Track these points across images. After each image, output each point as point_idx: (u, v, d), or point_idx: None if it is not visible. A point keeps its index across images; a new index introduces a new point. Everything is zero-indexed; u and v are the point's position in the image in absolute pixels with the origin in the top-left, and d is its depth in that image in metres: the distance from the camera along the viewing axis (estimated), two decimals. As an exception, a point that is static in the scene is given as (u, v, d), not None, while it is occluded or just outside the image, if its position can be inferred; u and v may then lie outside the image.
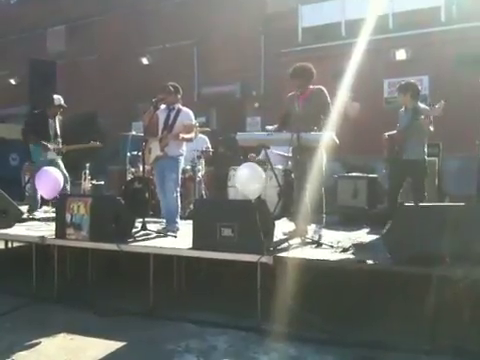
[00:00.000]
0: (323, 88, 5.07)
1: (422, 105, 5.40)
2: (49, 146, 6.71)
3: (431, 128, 5.22)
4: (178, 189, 5.57)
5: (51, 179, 5.64)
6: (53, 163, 6.72)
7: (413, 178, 5.37)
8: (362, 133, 9.47)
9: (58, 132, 6.93)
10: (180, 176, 5.68)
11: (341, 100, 5.28)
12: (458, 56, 10.12)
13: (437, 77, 10.44)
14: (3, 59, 17.89)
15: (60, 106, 6.98)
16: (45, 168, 6.17)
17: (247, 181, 4.79)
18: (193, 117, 5.71)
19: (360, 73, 10.49)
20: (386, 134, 5.57)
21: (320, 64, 5.32)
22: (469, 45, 9.98)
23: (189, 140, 5.66)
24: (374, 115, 10.47)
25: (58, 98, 7.01)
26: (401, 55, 11.08)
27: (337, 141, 4.83)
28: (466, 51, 10.00)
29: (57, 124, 6.96)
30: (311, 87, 5.14)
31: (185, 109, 5.69)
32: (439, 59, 10.30)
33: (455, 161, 8.14)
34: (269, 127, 5.58)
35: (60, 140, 6.93)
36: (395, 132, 5.54)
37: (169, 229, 5.41)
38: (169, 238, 5.19)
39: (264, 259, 4.23)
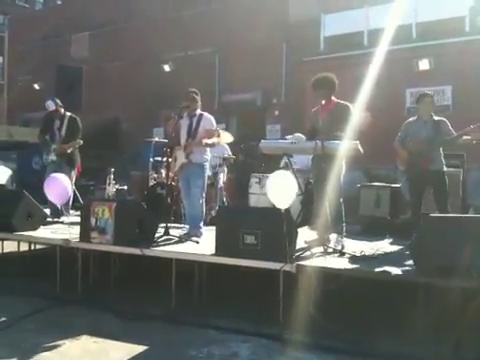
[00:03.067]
0: (349, 105, 5.07)
1: (442, 119, 5.37)
2: (51, 147, 6.78)
3: (474, 142, 5.26)
4: (204, 195, 5.61)
5: (59, 185, 5.69)
6: (55, 164, 6.80)
7: (436, 189, 5.32)
8: (384, 143, 9.39)
9: (63, 133, 6.88)
10: (206, 182, 5.73)
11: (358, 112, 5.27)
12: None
13: (460, 87, 10.36)
14: (27, 64, 18.23)
15: (56, 110, 6.87)
16: (53, 175, 6.24)
17: (279, 190, 4.77)
18: (214, 122, 5.75)
19: (382, 82, 10.48)
20: (397, 144, 5.49)
21: (342, 73, 5.34)
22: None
23: (212, 145, 5.69)
24: (396, 125, 10.38)
25: (47, 105, 6.90)
26: (424, 65, 11.02)
27: (361, 150, 4.81)
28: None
29: (64, 125, 6.91)
30: (336, 100, 5.14)
31: (206, 114, 5.74)
32: (462, 69, 10.22)
33: (479, 172, 8.04)
34: (289, 137, 5.60)
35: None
36: (404, 143, 5.47)
37: (193, 234, 5.44)
38: (191, 244, 5.22)
39: (287, 267, 4.23)
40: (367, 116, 5.18)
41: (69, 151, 6.80)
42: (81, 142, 6.96)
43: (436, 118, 5.38)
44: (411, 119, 5.57)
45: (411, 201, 5.56)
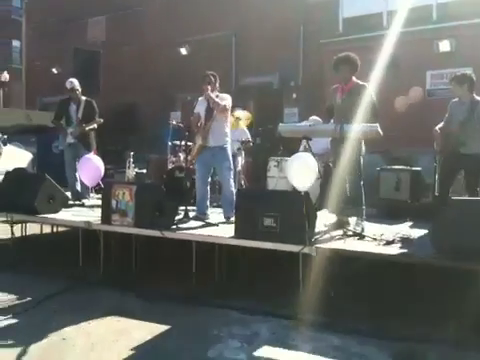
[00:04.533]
0: (368, 85, 5.01)
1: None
2: (68, 131, 6.86)
3: None
4: (232, 177, 5.65)
5: (92, 167, 5.76)
6: (72, 147, 6.88)
7: (468, 173, 5.20)
8: (404, 125, 9.32)
9: (80, 116, 6.95)
10: (232, 164, 5.77)
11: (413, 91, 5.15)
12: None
13: (482, 69, 10.16)
14: (45, 48, 18.31)
15: (72, 89, 6.97)
16: (87, 156, 6.32)
17: (298, 173, 4.77)
18: (230, 101, 5.72)
19: (402, 64, 10.36)
20: (437, 127, 5.40)
21: (360, 55, 5.24)
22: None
23: (220, 105, 5.54)
24: (416, 107, 10.29)
25: (70, 81, 7.02)
26: (445, 46, 10.80)
27: (381, 133, 4.78)
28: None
29: (81, 109, 6.98)
30: (355, 81, 5.09)
31: (222, 94, 5.71)
32: (484, 51, 10.00)
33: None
34: (316, 118, 5.55)
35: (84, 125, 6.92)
36: (444, 124, 5.38)
37: (229, 216, 5.50)
38: (211, 226, 5.27)
39: (306, 250, 4.26)
40: (418, 90, 5.04)
41: (87, 128, 6.87)
42: (101, 120, 7.04)
43: (476, 99, 5.20)
44: (454, 100, 5.44)
45: (439, 183, 5.46)
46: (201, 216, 5.60)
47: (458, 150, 5.14)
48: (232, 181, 5.70)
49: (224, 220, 5.52)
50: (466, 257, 3.73)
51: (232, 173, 5.73)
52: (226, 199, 5.67)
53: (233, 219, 5.36)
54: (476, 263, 3.73)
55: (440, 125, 5.40)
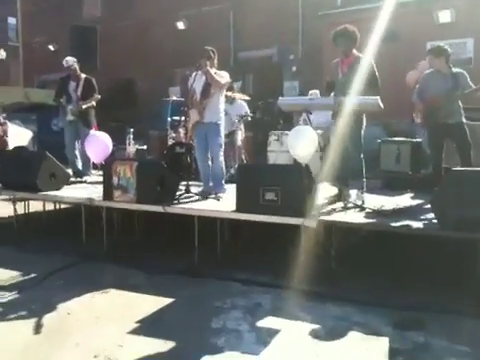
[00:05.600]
0: (368, 58, 4.96)
1: (461, 71, 5.21)
2: (67, 108, 6.85)
3: None
4: (222, 153, 5.65)
5: (101, 143, 5.76)
6: (72, 125, 6.87)
7: (457, 141, 5.21)
8: (405, 97, 9.24)
9: (79, 94, 6.94)
10: (223, 140, 5.75)
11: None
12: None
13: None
14: (41, 25, 18.11)
15: (69, 67, 6.96)
16: (94, 133, 6.31)
17: (299, 144, 4.77)
18: (228, 78, 5.68)
19: (402, 36, 10.25)
20: (415, 99, 5.38)
21: (359, 26, 5.18)
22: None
23: (219, 84, 5.54)
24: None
25: (65, 60, 7.01)
26: (445, 17, 10.68)
27: (382, 106, 4.76)
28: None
29: (80, 86, 6.97)
30: (356, 54, 5.04)
31: (221, 72, 5.67)
32: (485, 21, 9.90)
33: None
34: (316, 91, 5.51)
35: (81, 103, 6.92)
36: (420, 96, 5.35)
37: (217, 191, 5.53)
38: (212, 201, 5.29)
39: (307, 222, 4.29)
40: (425, 64, 4.97)
41: (85, 106, 6.85)
42: (99, 97, 7.01)
43: (454, 70, 5.20)
44: (428, 71, 5.40)
45: (431, 155, 5.48)
46: (207, 191, 5.61)
47: (445, 121, 5.12)
48: (222, 158, 5.68)
49: (213, 196, 5.48)
50: (467, 227, 3.76)
51: (222, 150, 5.69)
52: (215, 176, 5.68)
53: (221, 195, 5.44)
54: (477, 233, 3.76)
55: (415, 96, 5.37)
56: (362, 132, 5.09)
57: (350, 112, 4.80)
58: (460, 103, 5.23)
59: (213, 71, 5.52)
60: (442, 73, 5.22)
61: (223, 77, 5.58)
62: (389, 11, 8.22)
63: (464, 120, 5.22)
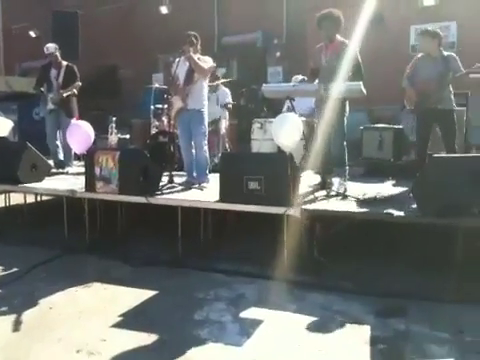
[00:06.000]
0: (352, 43, 4.92)
1: (452, 54, 5.17)
2: (48, 97, 6.76)
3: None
4: (205, 142, 5.61)
5: (83, 133, 5.69)
6: (53, 114, 6.78)
7: (443, 128, 5.17)
8: (388, 82, 9.24)
9: (60, 82, 6.84)
10: (207, 128, 5.71)
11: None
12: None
13: (465, 23, 10.05)
14: (21, 12, 17.72)
15: (50, 54, 6.85)
16: (76, 122, 6.21)
17: (284, 132, 4.74)
18: (211, 63, 5.62)
19: (385, 20, 10.20)
20: (405, 84, 5.33)
21: (343, 11, 5.14)
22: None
23: (203, 70, 5.49)
24: (400, 63, 10.18)
25: (46, 47, 6.90)
26: (429, 1, 10.64)
27: (365, 92, 4.75)
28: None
29: (61, 74, 6.87)
30: (340, 39, 4.99)
31: (205, 57, 5.61)
32: (468, 5, 9.87)
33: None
34: (299, 77, 5.45)
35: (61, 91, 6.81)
36: (410, 81, 5.30)
37: (201, 181, 5.50)
38: (196, 191, 5.27)
39: (291, 211, 4.29)
40: None
41: (65, 94, 6.74)
42: (80, 84, 6.91)
43: (445, 54, 5.12)
44: (419, 55, 5.31)
45: (417, 141, 5.41)
46: (191, 181, 5.58)
47: (435, 106, 5.08)
48: (206, 147, 5.62)
49: (196, 186, 5.44)
50: (447, 214, 3.78)
51: (206, 138, 5.65)
52: (199, 165, 5.63)
53: (205, 185, 5.42)
54: (456, 220, 3.80)
55: (406, 82, 5.33)
56: (345, 119, 5.07)
57: (333, 99, 4.78)
58: (451, 88, 5.17)
59: (196, 57, 5.46)
60: (432, 57, 5.14)
61: (207, 62, 5.52)
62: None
63: (455, 107, 5.18)
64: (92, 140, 5.85)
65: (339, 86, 4.74)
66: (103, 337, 3.23)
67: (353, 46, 4.92)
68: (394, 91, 7.93)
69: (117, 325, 3.41)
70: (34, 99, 9.88)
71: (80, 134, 5.83)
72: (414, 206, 4.12)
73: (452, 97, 5.16)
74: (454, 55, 5.13)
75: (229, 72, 13.32)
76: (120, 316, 3.54)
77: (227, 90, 7.71)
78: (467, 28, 9.84)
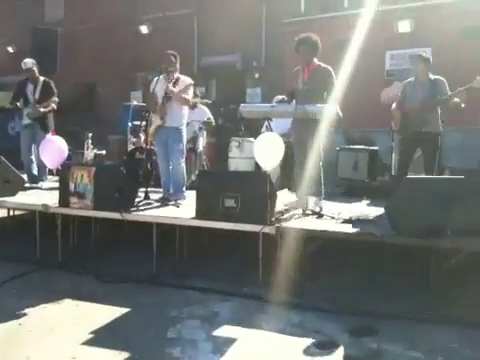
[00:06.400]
0: (331, 69, 5.02)
1: (440, 78, 5.31)
2: (24, 112, 6.69)
3: (463, 105, 5.19)
4: (183, 159, 5.60)
5: (56, 148, 5.64)
6: (29, 129, 6.71)
7: (426, 151, 5.26)
8: (363, 105, 9.44)
9: (37, 97, 6.76)
10: (185, 146, 5.71)
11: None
12: (464, 28, 10.01)
13: (440, 49, 10.36)
14: (0, 27, 17.61)
15: (28, 70, 6.81)
16: (49, 137, 6.16)
17: (266, 152, 4.77)
18: (190, 82, 5.67)
19: (362, 44, 10.44)
20: (394, 107, 5.46)
21: (322, 34, 5.26)
22: (473, 18, 9.87)
23: (186, 102, 5.59)
24: (375, 87, 10.45)
25: (23, 63, 6.86)
26: (404, 27, 10.94)
27: (341, 114, 4.84)
28: (471, 23, 9.91)
29: (38, 89, 6.80)
30: (317, 63, 5.09)
31: (183, 77, 5.65)
32: (443, 31, 10.19)
33: (456, 134, 8.13)
34: (279, 97, 5.51)
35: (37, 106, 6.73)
36: (399, 104, 5.44)
37: (177, 198, 5.47)
38: (172, 207, 5.24)
39: (266, 229, 4.30)
40: (462, 92, 5.00)
41: (43, 110, 6.69)
42: (57, 100, 6.86)
43: (433, 77, 5.27)
44: (409, 80, 5.48)
45: (399, 162, 5.51)
46: (167, 198, 5.55)
47: (419, 129, 5.19)
48: (183, 164, 5.63)
49: (172, 203, 5.40)
50: (420, 234, 3.84)
51: (183, 156, 5.65)
52: (175, 181, 5.62)
53: (181, 202, 5.40)
54: (430, 241, 3.85)
55: (394, 105, 5.47)
56: (323, 140, 5.12)
57: (310, 120, 4.85)
58: (439, 112, 5.28)
59: (175, 76, 5.51)
60: (420, 81, 5.30)
61: (186, 84, 5.54)
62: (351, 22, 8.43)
63: (441, 130, 5.30)
64: (65, 155, 5.81)
65: (315, 108, 4.81)
66: (73, 355, 3.16)
67: (330, 70, 5.02)
68: (369, 114, 8.10)
69: (88, 342, 3.34)
70: (9, 114, 9.78)
71: (53, 149, 5.79)
72: (388, 226, 4.17)
73: (439, 121, 5.27)
74: (443, 79, 5.27)
75: (208, 92, 13.41)
76: (91, 333, 3.47)
77: (205, 108, 7.75)
78: (442, 54, 10.13)
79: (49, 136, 5.98)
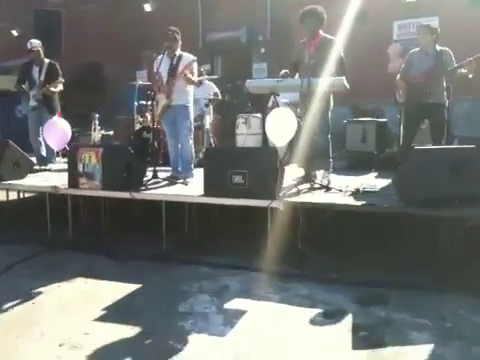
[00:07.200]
0: (336, 40, 4.95)
1: (446, 49, 5.22)
2: (30, 94, 6.70)
3: (470, 76, 5.10)
4: (191, 137, 5.60)
5: (59, 130, 5.67)
6: (36, 111, 6.73)
7: (433, 122, 5.23)
8: (371, 77, 9.32)
9: (42, 79, 6.76)
10: (193, 123, 5.70)
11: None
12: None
13: (447, 18, 10.15)
14: (3, 10, 17.54)
15: (31, 50, 6.79)
16: (53, 120, 6.18)
17: (279, 128, 4.74)
18: (195, 62, 5.63)
19: (368, 16, 10.26)
20: (398, 78, 5.39)
21: (327, 6, 5.17)
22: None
23: (192, 82, 5.57)
24: (383, 58, 10.30)
25: (30, 42, 6.85)
26: (412, -5, 10.72)
27: (348, 86, 4.78)
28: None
29: (43, 71, 6.80)
30: (322, 34, 5.02)
31: (186, 54, 5.61)
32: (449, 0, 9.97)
33: (464, 103, 8.03)
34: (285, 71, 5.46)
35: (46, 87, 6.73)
36: (404, 75, 5.36)
37: (186, 176, 5.49)
38: (180, 186, 5.26)
39: (274, 204, 4.31)
40: (471, 62, 4.93)
41: (52, 89, 6.69)
42: (63, 80, 6.85)
43: (439, 48, 5.21)
44: (414, 50, 5.41)
45: (404, 134, 5.46)
46: (175, 176, 5.57)
47: (424, 100, 5.14)
48: (191, 141, 5.64)
49: (181, 181, 5.40)
50: (429, 205, 3.82)
51: (192, 133, 5.66)
52: (184, 159, 5.63)
53: (189, 180, 5.40)
54: (438, 211, 3.84)
55: (399, 76, 5.38)
56: (329, 113, 5.10)
57: (317, 93, 4.81)
58: (444, 83, 5.23)
59: (178, 52, 5.48)
60: (427, 51, 5.22)
61: (190, 61, 5.49)
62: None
63: (446, 101, 5.24)
64: (69, 137, 5.83)
65: (323, 81, 4.76)
66: (86, 331, 3.22)
67: (336, 41, 4.95)
68: (377, 85, 8.00)
69: (100, 319, 3.40)
70: (16, 97, 9.81)
71: (56, 131, 5.81)
72: (397, 197, 4.16)
73: (444, 92, 5.22)
74: (448, 50, 5.20)
75: (214, 68, 13.32)
76: (103, 310, 3.53)
77: (211, 83, 7.71)
78: (449, 23, 9.93)
79: (52, 119, 5.98)
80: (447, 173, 3.81)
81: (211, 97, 7.45)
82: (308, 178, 5.10)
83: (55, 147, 6.40)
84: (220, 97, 7.70)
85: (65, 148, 6.46)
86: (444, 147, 4.90)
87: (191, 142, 5.63)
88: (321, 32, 5.05)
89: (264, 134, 7.64)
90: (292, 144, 5.96)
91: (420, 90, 5.12)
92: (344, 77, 4.77)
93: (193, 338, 3.09)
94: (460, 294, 3.56)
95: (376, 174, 5.78)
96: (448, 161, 3.85)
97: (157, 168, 5.60)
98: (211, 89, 7.57)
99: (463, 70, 5.06)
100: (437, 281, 3.71)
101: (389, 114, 6.98)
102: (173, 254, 4.65)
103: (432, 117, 5.22)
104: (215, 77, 8.08)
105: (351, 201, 4.34)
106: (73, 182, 5.16)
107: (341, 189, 4.72)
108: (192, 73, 5.51)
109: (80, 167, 5.10)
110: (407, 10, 10.49)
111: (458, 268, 3.83)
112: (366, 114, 7.24)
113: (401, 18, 10.65)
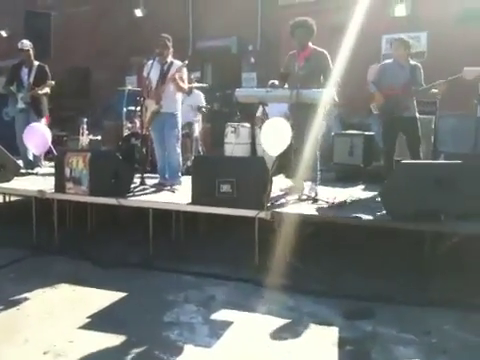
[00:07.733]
0: (326, 52, 5.01)
1: (418, 64, 5.31)
2: (18, 96, 6.65)
3: (439, 96, 5.31)
4: (178, 144, 5.61)
5: (39, 135, 5.63)
6: (23, 113, 6.68)
7: (408, 135, 5.29)
8: (359, 90, 9.41)
9: (31, 81, 6.71)
10: (180, 132, 5.71)
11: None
12: (461, 12, 9.96)
13: (436, 34, 10.32)
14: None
15: (22, 50, 6.73)
16: (32, 124, 6.14)
17: (274, 137, 4.74)
18: (185, 69, 5.64)
19: (357, 29, 10.39)
20: (373, 90, 5.41)
21: (318, 18, 5.23)
22: (471, 1, 9.83)
23: (182, 88, 5.58)
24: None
25: (21, 42, 6.80)
26: (400, 11, 10.89)
27: (336, 99, 4.83)
28: (468, 7, 9.86)
29: (32, 73, 6.75)
30: (312, 47, 5.08)
31: (177, 62, 5.63)
32: (439, 16, 10.14)
33: (450, 119, 8.14)
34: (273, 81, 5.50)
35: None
36: (376, 87, 5.39)
37: (173, 183, 5.48)
38: (167, 193, 5.25)
39: (262, 214, 4.32)
40: (442, 84, 4.99)
41: (40, 92, 6.64)
42: (53, 83, 6.81)
43: (412, 63, 5.27)
44: (387, 61, 5.46)
45: (384, 147, 5.53)
46: (163, 183, 5.56)
47: (400, 114, 5.19)
48: (179, 149, 5.64)
49: (168, 188, 5.39)
50: (414, 219, 3.87)
51: (179, 142, 5.66)
52: (171, 166, 5.63)
53: (176, 187, 5.39)
54: (424, 224, 3.89)
55: (374, 87, 5.38)
56: (320, 124, 5.11)
57: (306, 105, 4.85)
58: (414, 98, 5.32)
59: (169, 60, 5.50)
60: (401, 64, 5.26)
61: (180, 68, 5.50)
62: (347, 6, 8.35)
63: (417, 115, 5.33)
64: (49, 140, 5.80)
65: (311, 92, 4.81)
66: (71, 338, 3.19)
67: (326, 54, 5.01)
68: (364, 98, 8.05)
69: (85, 326, 3.37)
70: (3, 99, 9.72)
71: (37, 136, 5.78)
72: (383, 211, 4.20)
73: (415, 106, 5.30)
74: (419, 66, 5.27)
75: (204, 76, 13.33)
76: (88, 317, 3.50)
77: (200, 93, 7.72)
78: (437, 39, 10.10)
79: (34, 123, 5.93)
80: (432, 188, 3.85)
81: (199, 106, 7.45)
82: (296, 189, 5.12)
83: (35, 151, 6.32)
84: (205, 111, 7.68)
85: (51, 152, 6.41)
86: (430, 162, 4.97)
87: (178, 150, 5.63)
88: (311, 44, 5.10)
89: (253, 144, 7.70)
90: (280, 154, 5.99)
91: (396, 103, 5.16)
92: (333, 89, 4.82)
93: (179, 348, 3.08)
94: (445, 308, 3.60)
95: (363, 187, 5.83)
96: (433, 176, 3.90)
97: (145, 175, 5.59)
98: (199, 99, 7.56)
99: (434, 90, 5.14)
100: (422, 295, 3.75)
101: (375, 127, 7.04)
102: (159, 262, 4.63)
103: (406, 131, 5.29)
104: (205, 85, 8.08)
105: (338, 214, 4.37)
106: (60, 187, 5.13)
107: (328, 201, 4.75)
108: (182, 80, 5.52)
109: (67, 172, 5.07)
110: (396, 25, 10.63)
111: (442, 282, 3.88)
112: (353, 127, 7.30)
113: (390, 32, 10.78)
